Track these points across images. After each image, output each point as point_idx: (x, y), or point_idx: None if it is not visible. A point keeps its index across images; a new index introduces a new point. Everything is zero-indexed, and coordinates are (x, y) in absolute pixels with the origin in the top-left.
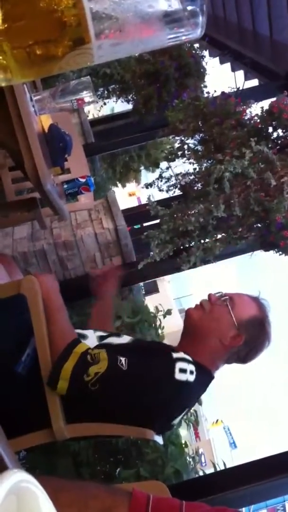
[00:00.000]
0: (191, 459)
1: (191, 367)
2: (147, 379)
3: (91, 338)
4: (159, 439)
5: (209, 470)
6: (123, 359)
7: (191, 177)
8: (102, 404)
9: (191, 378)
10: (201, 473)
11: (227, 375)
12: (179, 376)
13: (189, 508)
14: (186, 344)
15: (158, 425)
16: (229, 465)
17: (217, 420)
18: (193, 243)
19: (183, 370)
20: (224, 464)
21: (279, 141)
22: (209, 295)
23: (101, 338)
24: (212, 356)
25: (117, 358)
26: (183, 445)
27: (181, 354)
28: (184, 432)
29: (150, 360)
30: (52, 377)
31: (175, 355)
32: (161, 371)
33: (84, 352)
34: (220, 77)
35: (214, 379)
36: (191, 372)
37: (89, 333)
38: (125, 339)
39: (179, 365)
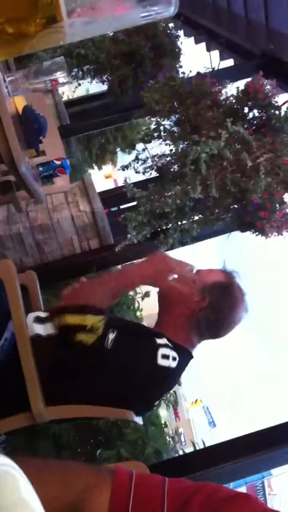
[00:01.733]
0: (171, 439)
1: (173, 353)
2: (130, 362)
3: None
4: (139, 420)
5: (189, 449)
6: (112, 336)
7: (168, 159)
8: (79, 375)
9: (173, 364)
10: (181, 452)
11: (206, 355)
12: (161, 361)
13: (172, 483)
14: (161, 321)
15: (136, 408)
16: (208, 444)
17: (196, 400)
18: (170, 225)
19: (165, 356)
20: (204, 443)
21: (255, 122)
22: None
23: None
24: (184, 329)
25: (106, 335)
26: (163, 425)
27: (164, 340)
28: (163, 412)
29: (134, 343)
30: (54, 310)
31: (158, 340)
32: (144, 357)
33: (92, 325)
34: (196, 57)
35: (193, 358)
36: (174, 359)
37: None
38: None
39: (161, 351)
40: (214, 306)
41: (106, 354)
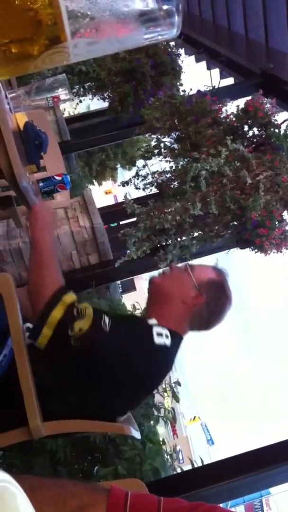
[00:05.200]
0: (168, 456)
1: (165, 331)
2: (129, 344)
3: None
4: (136, 434)
5: (187, 467)
6: (107, 319)
7: (168, 175)
8: (79, 366)
9: (168, 342)
10: (178, 470)
11: (205, 372)
12: (158, 340)
13: (167, 504)
14: (152, 311)
15: (139, 396)
16: (206, 461)
17: (194, 417)
18: (169, 241)
19: (160, 334)
20: (202, 461)
21: (255, 140)
22: (170, 264)
23: None
24: (177, 320)
25: (101, 317)
26: (161, 443)
27: (154, 321)
28: (161, 429)
29: (129, 327)
30: (38, 323)
31: (149, 321)
32: (141, 337)
33: (72, 303)
34: (196, 76)
35: (183, 339)
36: (167, 336)
37: None
38: None
39: (155, 329)
40: (210, 304)
41: (106, 337)
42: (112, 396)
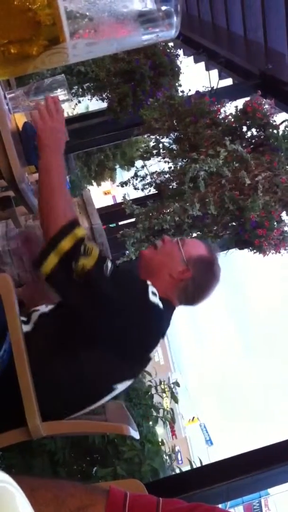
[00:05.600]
0: (167, 457)
1: (157, 295)
2: (126, 293)
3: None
4: (135, 435)
5: (186, 468)
6: (109, 265)
7: (166, 176)
8: (80, 305)
9: (161, 304)
10: (177, 471)
11: (204, 372)
12: (152, 298)
13: (166, 505)
14: None
15: (133, 358)
16: (205, 462)
17: (193, 418)
18: None
19: (154, 294)
20: (200, 461)
21: (253, 140)
22: (163, 237)
23: None
24: (165, 292)
25: (105, 261)
26: (160, 443)
27: (149, 282)
28: (160, 430)
29: (128, 276)
30: (46, 249)
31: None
32: (138, 290)
33: (82, 238)
34: (195, 76)
35: (175, 309)
36: (160, 299)
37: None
38: None
39: (151, 288)
40: (195, 280)
41: (106, 281)
42: (108, 354)
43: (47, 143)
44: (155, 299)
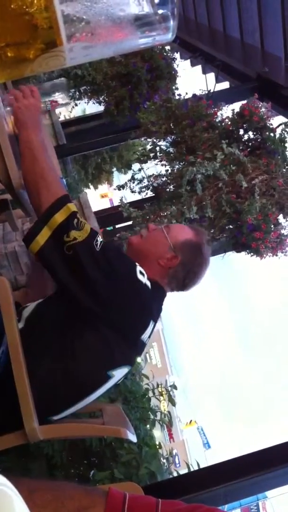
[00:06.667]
0: (165, 460)
1: (146, 276)
2: (114, 268)
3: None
4: (132, 438)
5: (183, 471)
6: (99, 240)
7: (163, 179)
8: (66, 279)
9: (148, 283)
10: (175, 474)
11: (202, 375)
12: (140, 277)
13: (165, 506)
14: None
15: (121, 326)
16: (203, 465)
17: (190, 421)
18: None
19: (142, 274)
20: (198, 464)
21: (250, 143)
22: (148, 224)
23: None
24: (155, 278)
25: (95, 236)
26: (157, 446)
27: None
28: (158, 433)
29: (118, 252)
30: (38, 222)
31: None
32: (126, 267)
33: (75, 212)
34: (191, 80)
35: (165, 293)
36: (147, 280)
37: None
38: None
39: (138, 268)
40: (185, 265)
41: (95, 254)
42: (98, 335)
43: (24, 120)
44: (142, 278)
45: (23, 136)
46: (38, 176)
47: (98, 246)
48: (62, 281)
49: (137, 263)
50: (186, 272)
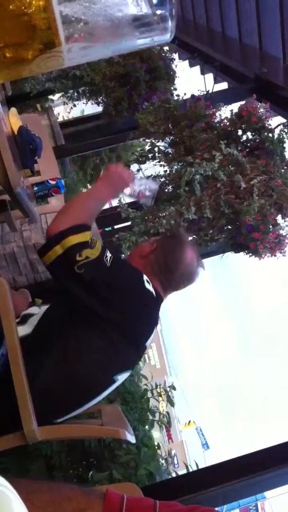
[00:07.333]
0: (163, 461)
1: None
2: (124, 281)
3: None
4: (131, 438)
5: (182, 471)
6: (109, 256)
7: (162, 180)
8: (78, 292)
9: (153, 291)
10: (174, 475)
11: (201, 375)
12: (147, 286)
13: (163, 507)
14: None
15: (131, 334)
16: (201, 465)
17: (189, 421)
18: None
19: (148, 282)
20: (197, 465)
21: (249, 144)
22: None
23: None
24: (155, 287)
25: (105, 252)
26: (156, 447)
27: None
28: (156, 434)
29: (127, 265)
30: (53, 239)
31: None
32: (135, 278)
33: (91, 239)
34: (190, 80)
35: (162, 300)
36: (152, 287)
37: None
38: None
39: (145, 277)
40: (162, 247)
41: (107, 270)
42: (109, 341)
43: (113, 182)
44: (149, 286)
45: (97, 185)
46: (74, 207)
47: (108, 262)
48: (72, 297)
49: (143, 273)
50: (164, 254)
